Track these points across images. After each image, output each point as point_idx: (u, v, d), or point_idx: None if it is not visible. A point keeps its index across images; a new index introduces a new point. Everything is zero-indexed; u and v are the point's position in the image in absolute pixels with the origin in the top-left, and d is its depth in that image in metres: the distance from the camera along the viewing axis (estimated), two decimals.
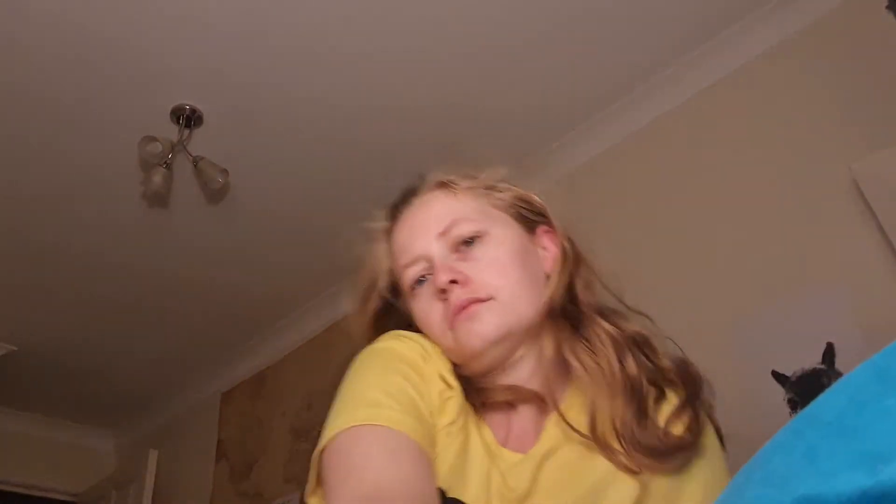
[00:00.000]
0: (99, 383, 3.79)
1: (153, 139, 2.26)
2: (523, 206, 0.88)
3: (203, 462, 3.59)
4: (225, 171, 2.41)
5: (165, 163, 2.33)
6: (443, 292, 0.76)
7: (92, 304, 3.20)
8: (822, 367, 1.71)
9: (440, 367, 0.76)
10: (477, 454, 0.73)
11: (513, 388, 0.77)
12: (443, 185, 0.86)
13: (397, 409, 0.68)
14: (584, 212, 2.63)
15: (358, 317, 0.86)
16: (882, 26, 1.85)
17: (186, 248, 2.92)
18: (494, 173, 0.91)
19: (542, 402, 0.77)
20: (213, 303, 3.26)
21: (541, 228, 0.88)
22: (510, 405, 0.78)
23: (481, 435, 0.75)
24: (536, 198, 0.91)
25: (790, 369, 1.76)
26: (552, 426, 0.75)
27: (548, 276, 0.83)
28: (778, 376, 1.78)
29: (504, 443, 0.75)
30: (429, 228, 0.81)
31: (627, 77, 2.31)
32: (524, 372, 0.78)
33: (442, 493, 0.67)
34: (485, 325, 0.74)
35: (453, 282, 0.76)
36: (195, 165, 2.38)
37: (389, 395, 0.69)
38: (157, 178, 2.32)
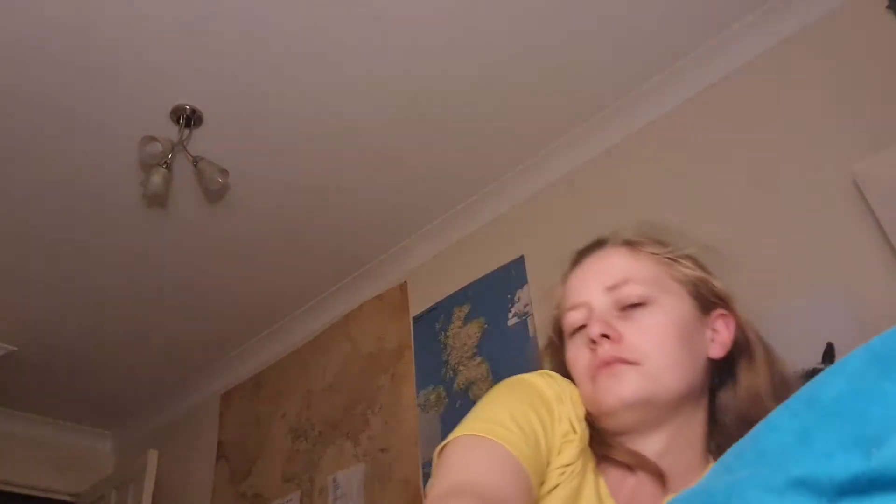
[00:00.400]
0: (99, 384, 3.79)
1: (153, 139, 2.26)
2: (703, 286, 0.86)
3: (203, 462, 3.59)
4: (225, 172, 2.41)
5: (165, 163, 2.33)
6: (593, 342, 0.78)
7: (91, 305, 3.20)
8: (822, 367, 1.71)
9: (572, 412, 0.78)
10: (588, 500, 0.75)
11: (634, 454, 0.77)
12: (629, 243, 0.87)
13: (517, 433, 0.71)
14: (584, 212, 2.66)
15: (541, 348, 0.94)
16: (882, 26, 1.85)
17: (186, 248, 2.92)
18: (684, 246, 0.91)
19: (662, 480, 0.77)
20: (213, 303, 3.26)
21: (717, 311, 0.86)
22: (630, 468, 0.78)
23: (597, 484, 0.77)
24: (720, 284, 0.89)
25: (790, 369, 1.76)
26: None
27: (709, 360, 0.82)
28: None
29: (617, 498, 0.77)
30: (599, 279, 0.83)
31: (628, 77, 2.31)
32: (655, 444, 0.78)
33: None
34: (624, 387, 0.75)
35: (605, 336, 0.77)
36: (195, 165, 2.38)
37: (514, 420, 0.72)
38: (157, 178, 2.32)
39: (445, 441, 0.72)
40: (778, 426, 0.34)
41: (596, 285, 0.82)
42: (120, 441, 4.28)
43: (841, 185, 1.83)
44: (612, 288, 0.81)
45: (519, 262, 2.56)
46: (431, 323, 2.79)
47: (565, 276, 0.90)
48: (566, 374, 0.84)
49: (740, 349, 0.86)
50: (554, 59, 2.22)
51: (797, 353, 1.77)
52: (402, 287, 2.98)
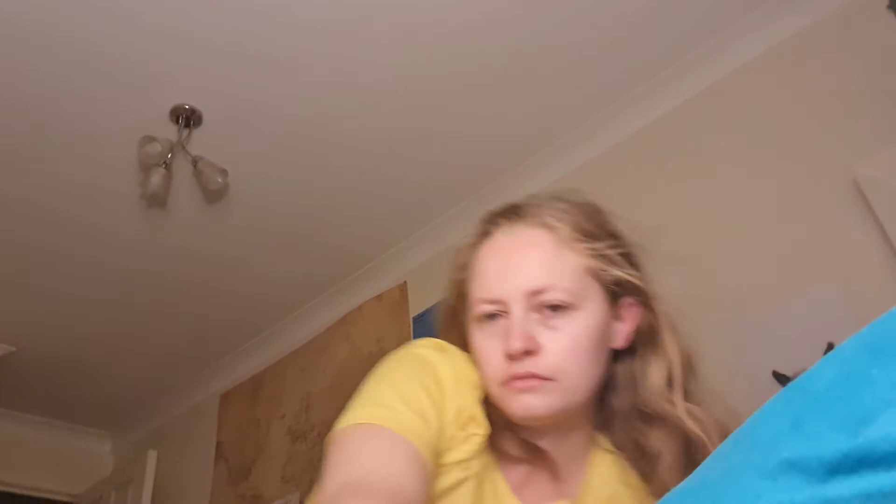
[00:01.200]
0: (98, 384, 3.79)
1: (152, 139, 2.26)
2: (621, 285, 0.82)
3: (202, 463, 3.59)
4: (224, 172, 2.41)
5: (164, 163, 2.33)
6: (511, 357, 0.74)
7: (91, 305, 3.20)
8: None
9: (469, 397, 0.76)
10: (491, 498, 0.75)
11: (532, 448, 0.77)
12: (553, 229, 0.80)
13: (407, 415, 0.69)
14: None
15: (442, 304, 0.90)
16: (883, 26, 1.85)
17: (185, 248, 2.92)
18: (621, 241, 0.87)
19: (555, 469, 0.78)
20: (212, 304, 3.26)
21: (627, 300, 0.82)
22: (523, 459, 0.78)
23: (495, 480, 0.77)
24: (645, 281, 0.86)
25: (790, 369, 1.75)
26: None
27: (613, 351, 0.81)
28: (778, 376, 1.77)
29: (518, 492, 0.77)
30: (520, 279, 0.77)
31: (627, 78, 2.31)
32: (550, 438, 0.78)
33: None
34: (537, 402, 0.74)
35: (526, 352, 0.73)
36: (194, 166, 2.38)
37: (404, 401, 0.70)
38: (156, 178, 2.32)
39: (336, 430, 0.69)
40: (772, 414, 0.35)
41: (515, 285, 0.76)
42: (119, 442, 4.27)
43: (841, 185, 1.82)
44: (534, 293, 0.76)
45: None
46: (431, 323, 2.78)
47: (476, 244, 0.84)
48: (463, 345, 0.81)
49: (642, 337, 0.83)
50: (552, 60, 2.22)
51: (797, 353, 1.77)
52: (402, 287, 2.98)
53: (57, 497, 3.97)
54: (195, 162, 2.37)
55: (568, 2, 2.05)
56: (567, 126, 2.47)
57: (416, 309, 2.88)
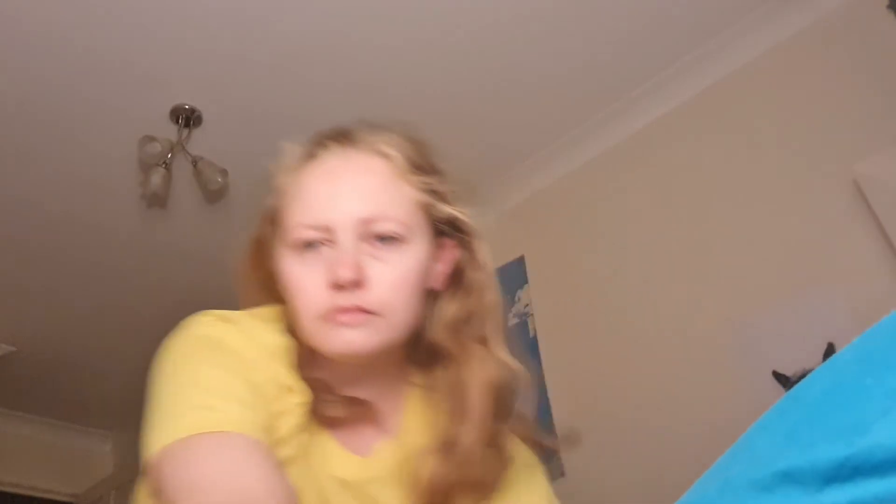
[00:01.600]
0: (98, 384, 3.79)
1: (152, 139, 2.26)
2: (448, 223, 0.79)
3: None
4: (224, 172, 2.41)
5: (164, 163, 2.33)
6: (338, 286, 0.68)
7: (91, 305, 3.20)
8: None
9: (282, 370, 0.70)
10: (324, 465, 0.72)
11: (352, 401, 0.74)
12: (388, 157, 0.76)
13: (232, 409, 0.62)
14: (584, 212, 2.65)
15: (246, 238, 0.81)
16: (883, 26, 1.85)
17: (185, 248, 2.92)
18: (450, 178, 0.82)
19: (376, 415, 0.77)
20: (212, 303, 3.25)
21: (449, 241, 0.79)
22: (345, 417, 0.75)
23: (325, 445, 0.73)
24: (474, 222, 0.83)
25: (790, 369, 1.76)
26: (385, 449, 0.76)
27: (430, 292, 0.77)
28: (778, 376, 1.77)
29: (347, 445, 0.75)
30: (352, 205, 0.71)
31: (627, 78, 2.31)
32: (369, 385, 0.76)
33: None
34: (360, 339, 0.69)
35: (353, 282, 0.68)
36: (194, 166, 2.38)
37: (219, 394, 0.64)
38: (156, 178, 2.32)
39: (158, 449, 0.60)
40: (768, 426, 0.35)
41: (347, 211, 0.71)
42: (120, 442, 4.27)
43: (841, 185, 1.82)
44: (366, 221, 0.71)
45: (519, 262, 2.55)
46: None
47: (298, 166, 0.78)
48: (267, 286, 0.76)
49: (454, 278, 0.80)
50: (553, 59, 2.22)
51: (797, 353, 1.77)
52: None
53: (57, 497, 3.97)
54: (195, 162, 2.37)
55: (568, 2, 2.05)
56: (565, 128, 2.47)
57: None
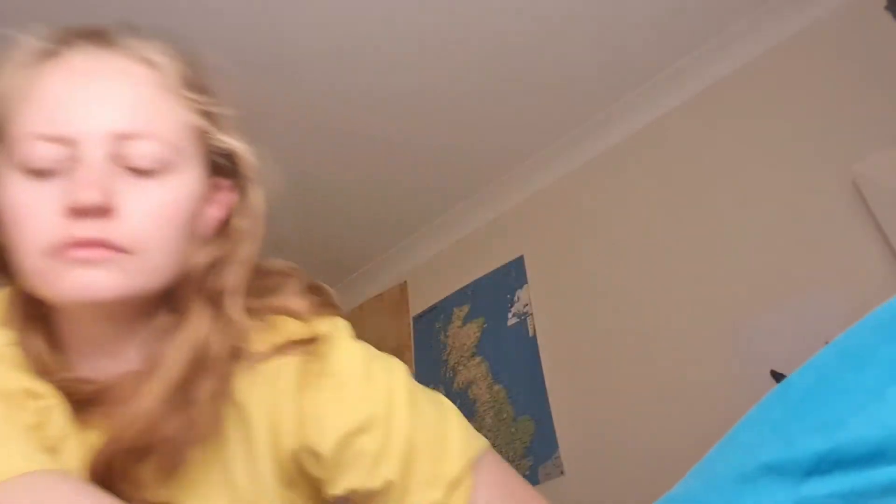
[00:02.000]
0: None
1: None
2: (222, 154, 0.66)
3: None
4: None
5: None
6: (77, 212, 0.53)
7: None
8: None
9: (14, 373, 0.57)
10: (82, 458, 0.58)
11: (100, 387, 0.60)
12: (155, 67, 0.63)
13: (14, 446, 0.51)
14: (584, 212, 2.65)
15: None
16: (881, 26, 1.85)
17: None
18: (226, 105, 0.69)
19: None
20: None
21: (226, 182, 0.67)
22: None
23: (82, 440, 0.60)
24: (252, 159, 0.70)
25: (789, 369, 1.75)
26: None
27: (203, 240, 0.64)
28: (778, 376, 1.77)
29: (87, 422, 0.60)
30: (104, 114, 0.56)
31: (628, 78, 2.32)
32: (124, 352, 0.61)
33: None
34: (104, 281, 0.54)
35: (97, 208, 0.54)
36: None
37: None
38: None
39: None
40: (754, 421, 0.36)
41: (98, 122, 0.56)
42: None
43: (841, 185, 1.83)
44: (123, 137, 0.56)
45: (519, 262, 2.56)
46: (431, 323, 2.79)
47: (33, 63, 0.62)
48: None
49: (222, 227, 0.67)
50: (553, 59, 2.23)
51: (796, 353, 1.78)
52: (402, 287, 2.98)
53: None
54: None
55: (568, 3, 2.05)
56: (565, 128, 2.48)
57: (416, 308, 2.88)
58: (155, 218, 0.57)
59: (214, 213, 0.65)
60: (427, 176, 2.65)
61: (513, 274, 2.56)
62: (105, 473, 0.56)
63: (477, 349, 2.55)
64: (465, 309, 2.67)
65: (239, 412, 0.63)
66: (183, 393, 0.58)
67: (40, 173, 0.55)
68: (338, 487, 0.61)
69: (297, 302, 0.71)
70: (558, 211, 2.52)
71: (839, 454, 0.30)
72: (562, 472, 2.10)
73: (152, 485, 0.58)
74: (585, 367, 2.20)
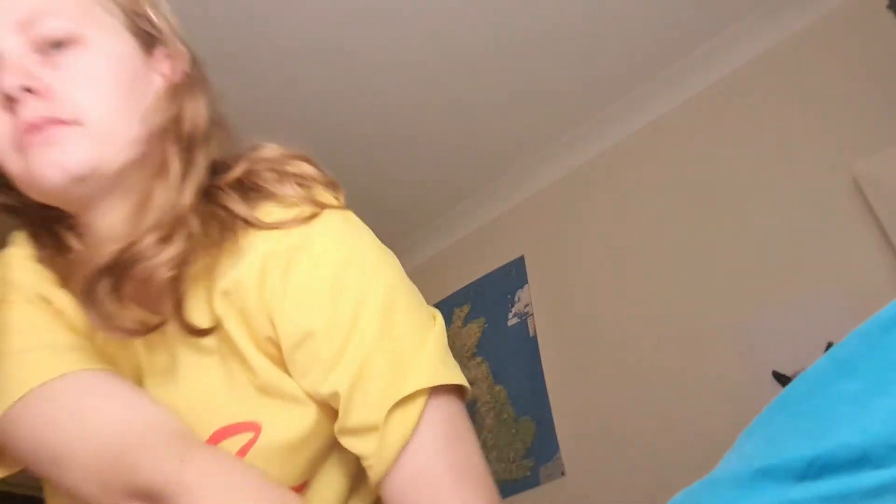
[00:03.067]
0: None
1: None
2: (143, 18, 0.67)
3: None
4: None
5: None
6: (10, 101, 0.57)
7: None
8: None
9: (28, 275, 0.63)
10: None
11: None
12: None
13: (41, 354, 0.58)
14: (584, 212, 2.65)
15: None
16: (882, 26, 1.85)
17: None
18: None
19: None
20: None
21: (162, 51, 0.68)
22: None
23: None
24: (165, 12, 0.72)
25: (790, 369, 1.76)
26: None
27: (157, 102, 0.64)
28: (778, 376, 1.77)
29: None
30: (9, 4, 0.59)
31: (628, 78, 2.31)
32: (116, 229, 0.61)
33: None
34: (68, 155, 0.57)
35: (28, 90, 0.57)
36: None
37: (22, 344, 0.59)
38: None
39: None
40: (755, 432, 0.39)
41: (4, 17, 0.59)
42: None
43: (841, 185, 1.83)
44: (24, 25, 0.59)
45: (519, 262, 2.56)
46: None
47: None
48: None
49: (186, 84, 0.68)
50: (553, 59, 2.23)
51: (797, 353, 1.78)
52: None
53: None
54: None
55: (568, 4, 2.05)
56: (565, 128, 2.48)
57: None
58: (90, 84, 0.59)
59: (160, 78, 0.67)
60: (427, 176, 2.65)
61: (513, 274, 2.56)
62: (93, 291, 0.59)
63: (477, 349, 2.55)
64: (466, 309, 2.67)
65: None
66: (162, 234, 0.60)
67: None
68: (299, 385, 0.62)
69: (291, 190, 0.70)
70: (558, 211, 2.52)
71: (826, 459, 0.32)
72: (563, 473, 2.10)
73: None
74: (586, 367, 2.20)
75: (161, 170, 0.62)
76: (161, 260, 0.58)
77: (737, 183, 2.06)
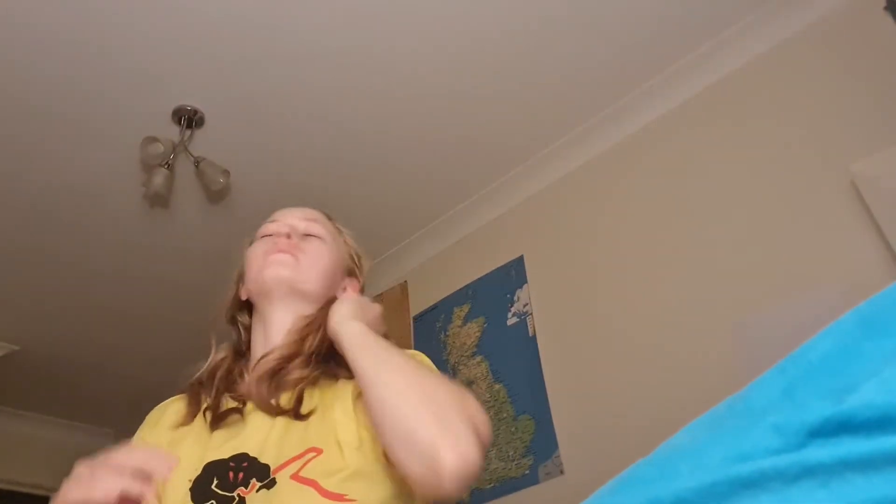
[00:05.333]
0: (100, 383, 3.80)
1: (154, 140, 2.27)
2: (350, 258, 1.16)
3: None
4: (226, 172, 2.42)
5: (167, 163, 2.34)
6: (284, 236, 1.07)
7: (93, 305, 3.21)
8: None
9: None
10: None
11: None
12: (318, 210, 1.17)
13: None
14: (583, 212, 2.66)
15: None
16: (880, 27, 1.86)
17: (187, 248, 2.93)
18: (350, 237, 1.22)
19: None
20: (212, 304, 3.27)
21: (352, 279, 1.15)
22: None
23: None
24: (365, 261, 1.20)
25: None
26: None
27: (333, 295, 1.09)
28: None
29: None
30: (298, 212, 1.14)
31: (627, 78, 2.32)
32: (281, 332, 1.04)
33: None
34: (284, 270, 1.03)
35: (288, 235, 1.07)
36: (196, 166, 2.39)
37: None
38: (159, 178, 2.33)
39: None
40: (767, 383, 0.36)
41: (294, 215, 1.13)
42: (120, 441, 4.27)
43: (840, 185, 1.83)
44: (305, 220, 1.12)
45: (519, 262, 2.56)
46: (431, 322, 2.80)
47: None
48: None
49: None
50: (552, 59, 2.23)
51: None
52: (403, 287, 2.99)
53: None
54: (197, 162, 2.38)
55: (568, 4, 2.06)
56: (565, 128, 2.48)
57: (416, 308, 2.89)
58: (312, 254, 1.07)
59: (346, 285, 1.13)
60: (427, 176, 2.66)
61: (513, 274, 2.57)
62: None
63: (477, 349, 2.56)
64: (466, 308, 2.68)
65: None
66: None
67: (267, 236, 1.10)
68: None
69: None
70: (558, 211, 2.53)
71: (846, 417, 0.29)
72: (562, 472, 2.11)
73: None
74: (585, 366, 2.21)
75: (318, 325, 1.00)
76: (298, 376, 0.96)
77: (735, 183, 2.07)
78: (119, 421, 4.18)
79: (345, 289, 1.12)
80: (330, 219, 1.19)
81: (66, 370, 3.66)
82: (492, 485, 2.25)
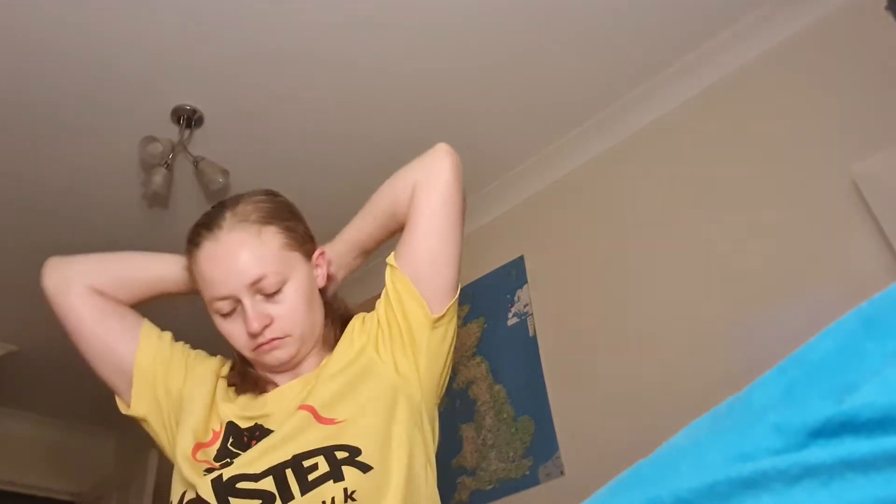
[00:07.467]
0: (101, 383, 3.79)
1: (154, 139, 2.27)
2: (307, 241, 1.08)
3: None
4: (225, 172, 2.42)
5: (166, 163, 2.34)
6: (253, 335, 0.98)
7: None
8: None
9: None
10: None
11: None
12: (246, 220, 1.02)
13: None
14: (584, 212, 2.65)
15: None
16: (881, 27, 1.85)
17: None
18: (286, 205, 1.12)
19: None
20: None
21: (315, 251, 1.09)
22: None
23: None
24: (307, 227, 1.12)
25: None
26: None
27: (321, 291, 1.08)
28: None
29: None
30: (239, 277, 0.98)
31: (628, 77, 2.32)
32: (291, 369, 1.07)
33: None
34: (282, 354, 1.01)
35: (265, 326, 0.98)
36: (195, 166, 2.39)
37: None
38: (158, 178, 2.33)
39: None
40: (768, 383, 0.36)
41: (238, 282, 0.98)
42: (121, 441, 4.28)
43: (840, 185, 1.83)
44: (253, 284, 0.98)
45: (519, 262, 2.56)
46: None
47: (190, 253, 1.04)
48: None
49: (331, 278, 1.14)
50: (552, 59, 2.23)
51: None
52: None
53: (59, 496, 3.98)
54: (196, 162, 2.38)
55: (567, 4, 2.05)
56: (565, 128, 2.48)
57: None
58: (292, 313, 1.00)
59: (322, 271, 1.09)
60: None
61: (513, 274, 2.57)
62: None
63: (477, 349, 2.56)
64: (466, 309, 2.67)
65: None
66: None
67: (227, 315, 1.01)
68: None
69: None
70: (558, 211, 2.53)
71: (848, 417, 0.29)
72: (562, 473, 2.10)
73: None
74: (585, 367, 2.21)
75: (326, 339, 1.07)
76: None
77: (736, 183, 2.06)
78: (119, 421, 4.17)
79: (318, 266, 1.08)
80: (256, 225, 1.03)
81: (65, 371, 3.66)
82: (492, 486, 2.24)
